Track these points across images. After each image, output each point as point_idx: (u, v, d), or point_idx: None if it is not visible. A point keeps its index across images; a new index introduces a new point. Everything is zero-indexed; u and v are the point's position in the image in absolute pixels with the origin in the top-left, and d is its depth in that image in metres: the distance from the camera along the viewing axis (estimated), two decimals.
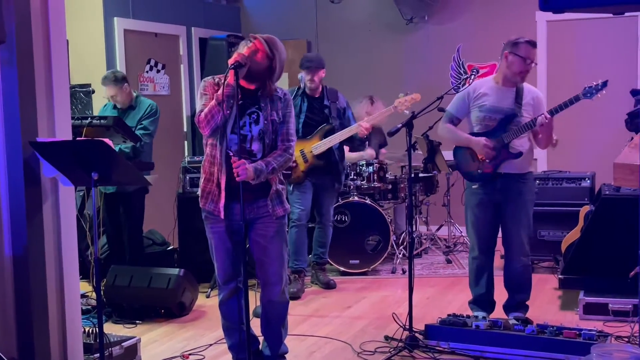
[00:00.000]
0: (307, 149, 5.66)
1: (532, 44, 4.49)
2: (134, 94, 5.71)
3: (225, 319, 3.90)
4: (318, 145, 5.66)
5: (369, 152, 6.63)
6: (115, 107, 5.66)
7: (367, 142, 6.88)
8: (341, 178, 5.88)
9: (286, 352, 4.06)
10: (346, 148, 6.62)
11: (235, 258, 3.77)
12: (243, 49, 3.64)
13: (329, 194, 5.85)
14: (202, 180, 3.77)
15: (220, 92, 3.54)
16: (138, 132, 5.42)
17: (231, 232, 3.72)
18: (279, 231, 3.79)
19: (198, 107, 3.67)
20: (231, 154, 3.59)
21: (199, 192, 3.78)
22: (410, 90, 5.69)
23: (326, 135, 5.69)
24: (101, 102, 6.11)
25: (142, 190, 5.67)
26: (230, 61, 3.54)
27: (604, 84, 4.33)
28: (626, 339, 4.31)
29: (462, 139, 4.64)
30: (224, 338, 4.01)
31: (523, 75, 4.50)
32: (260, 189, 3.70)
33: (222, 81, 3.56)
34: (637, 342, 4.06)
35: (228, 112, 3.55)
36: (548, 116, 4.36)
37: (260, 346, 4.04)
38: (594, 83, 4.35)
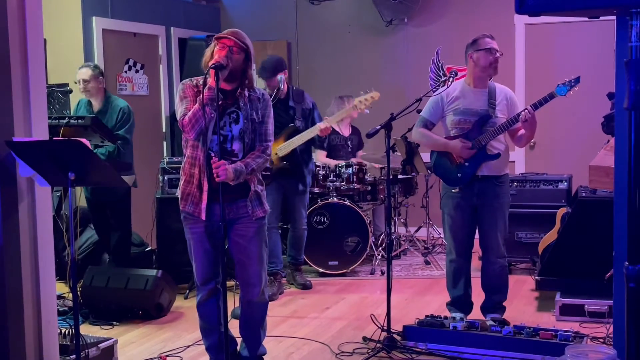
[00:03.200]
0: (272, 151, 5.61)
1: (490, 36, 4.58)
2: (107, 94, 5.64)
3: (203, 320, 3.89)
4: (282, 147, 5.64)
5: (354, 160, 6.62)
6: (88, 109, 5.57)
7: (348, 145, 6.89)
8: (306, 180, 5.85)
9: (264, 354, 4.05)
10: (323, 153, 6.65)
11: (214, 259, 3.77)
12: (211, 52, 3.63)
13: (298, 197, 5.84)
14: (181, 181, 3.76)
15: (205, 94, 3.53)
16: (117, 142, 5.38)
17: (210, 233, 3.71)
18: (258, 232, 3.79)
19: (179, 111, 3.66)
20: (212, 154, 3.59)
21: (179, 194, 3.77)
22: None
23: (291, 136, 5.66)
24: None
25: (127, 195, 5.64)
26: (211, 62, 3.53)
27: (577, 80, 4.37)
28: (602, 340, 4.35)
29: (439, 143, 4.65)
30: (202, 339, 4.00)
31: (494, 65, 4.53)
32: (239, 189, 3.70)
33: (203, 83, 3.56)
34: (612, 343, 4.10)
35: (213, 114, 3.54)
36: (531, 110, 4.37)
37: (238, 347, 4.03)
38: (567, 79, 4.39)
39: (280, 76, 5.68)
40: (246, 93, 3.73)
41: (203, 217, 3.66)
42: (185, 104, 3.65)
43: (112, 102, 5.59)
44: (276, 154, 5.63)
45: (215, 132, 3.60)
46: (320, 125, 5.64)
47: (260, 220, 3.79)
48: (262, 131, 3.76)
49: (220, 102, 3.57)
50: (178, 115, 3.67)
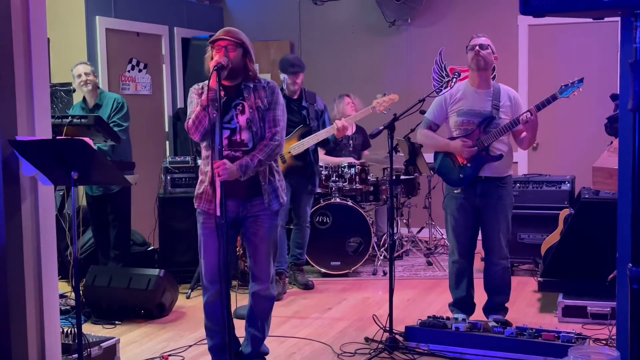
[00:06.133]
0: (284, 150, 5.64)
1: (478, 35, 4.59)
2: (100, 90, 5.69)
3: (210, 319, 3.90)
4: (296, 146, 5.65)
5: (349, 159, 6.63)
6: (83, 108, 5.62)
7: (350, 144, 6.90)
8: (315, 180, 5.87)
9: (267, 353, 4.06)
10: (322, 151, 6.65)
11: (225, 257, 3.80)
12: (210, 57, 3.69)
13: (305, 196, 5.85)
14: (198, 182, 3.86)
15: (204, 97, 3.60)
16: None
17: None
18: (271, 227, 3.85)
19: (188, 116, 3.77)
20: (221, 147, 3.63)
21: (195, 194, 3.84)
22: (392, 92, 5.71)
23: (304, 136, 5.69)
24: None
25: (125, 190, 5.66)
26: (212, 64, 3.58)
27: (580, 81, 4.36)
28: (604, 342, 4.34)
29: (441, 143, 4.65)
30: (206, 339, 4.00)
31: (476, 59, 4.50)
32: (252, 187, 3.75)
33: (206, 85, 3.61)
34: (615, 345, 4.09)
35: (215, 114, 3.57)
36: (534, 111, 4.36)
37: (241, 347, 4.03)
38: (570, 81, 4.38)
39: (283, 76, 5.72)
40: (250, 84, 3.78)
41: (218, 213, 3.67)
42: (191, 108, 3.74)
43: (105, 96, 5.68)
44: (289, 152, 5.64)
45: (223, 126, 3.67)
46: (337, 123, 5.63)
47: (275, 214, 3.84)
48: (270, 117, 3.78)
49: (224, 98, 3.64)
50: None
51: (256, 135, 3.74)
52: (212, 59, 3.68)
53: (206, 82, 3.70)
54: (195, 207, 3.83)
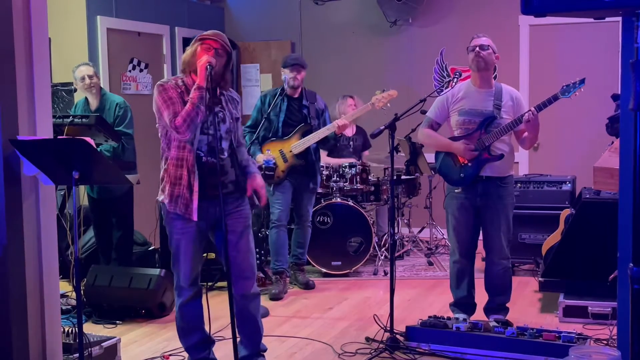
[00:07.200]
0: (286, 149, 5.65)
1: (478, 35, 4.58)
2: (102, 92, 5.65)
3: (185, 320, 3.89)
4: (297, 145, 5.66)
5: (350, 160, 6.63)
6: (85, 109, 5.59)
7: (350, 145, 6.90)
8: (317, 179, 5.87)
9: (265, 350, 4.05)
10: (324, 152, 6.66)
11: (201, 259, 3.86)
12: (192, 51, 3.69)
13: (307, 195, 5.86)
14: (167, 185, 3.73)
15: (194, 94, 3.57)
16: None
17: (200, 232, 3.74)
18: (247, 225, 3.84)
19: (167, 113, 3.62)
20: (202, 154, 3.66)
21: (165, 199, 3.73)
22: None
23: (305, 134, 5.69)
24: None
25: (128, 193, 5.66)
26: (203, 63, 3.57)
27: (582, 81, 4.35)
28: (605, 342, 4.34)
29: (442, 143, 4.65)
30: (180, 340, 3.98)
31: (476, 60, 4.50)
32: (235, 186, 3.78)
33: (195, 83, 3.62)
34: (616, 345, 4.09)
35: (206, 113, 3.60)
36: (535, 112, 4.36)
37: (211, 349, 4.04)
38: (572, 81, 4.38)
39: (284, 76, 5.72)
40: (225, 93, 3.79)
41: (195, 218, 3.66)
42: (172, 105, 3.64)
43: (108, 99, 5.61)
44: (290, 151, 5.64)
45: (203, 132, 3.66)
46: (337, 122, 5.65)
47: (249, 214, 3.87)
48: (239, 132, 3.86)
49: (207, 103, 3.62)
50: (166, 118, 3.63)
51: (231, 145, 3.78)
52: (194, 54, 3.65)
53: (179, 78, 3.77)
54: (170, 210, 3.71)
